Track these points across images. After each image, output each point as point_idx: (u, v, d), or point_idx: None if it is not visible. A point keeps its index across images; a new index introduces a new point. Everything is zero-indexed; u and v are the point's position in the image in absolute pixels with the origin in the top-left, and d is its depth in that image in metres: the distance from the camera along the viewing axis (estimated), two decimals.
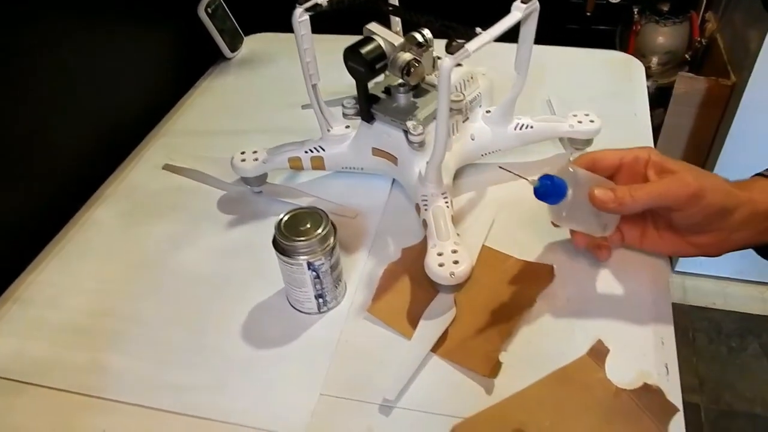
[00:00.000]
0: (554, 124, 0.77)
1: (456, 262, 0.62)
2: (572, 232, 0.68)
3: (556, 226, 0.66)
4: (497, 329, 0.62)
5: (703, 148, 1.72)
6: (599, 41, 1.07)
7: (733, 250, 0.65)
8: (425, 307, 0.64)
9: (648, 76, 1.94)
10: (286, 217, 0.63)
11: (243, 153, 0.78)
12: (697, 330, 1.73)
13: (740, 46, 1.58)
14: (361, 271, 0.70)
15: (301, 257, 0.61)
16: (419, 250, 0.70)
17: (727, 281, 1.87)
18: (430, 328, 0.62)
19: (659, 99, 1.84)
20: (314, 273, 0.62)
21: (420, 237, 0.72)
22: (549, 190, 0.59)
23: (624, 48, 1.77)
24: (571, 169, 0.60)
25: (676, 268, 1.88)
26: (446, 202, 0.68)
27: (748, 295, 1.84)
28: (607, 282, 0.67)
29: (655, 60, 1.92)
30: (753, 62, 1.46)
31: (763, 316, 1.73)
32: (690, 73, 1.68)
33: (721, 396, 1.59)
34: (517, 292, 0.66)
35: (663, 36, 1.85)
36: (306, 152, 0.77)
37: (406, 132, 0.70)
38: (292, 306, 0.67)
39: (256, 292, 0.68)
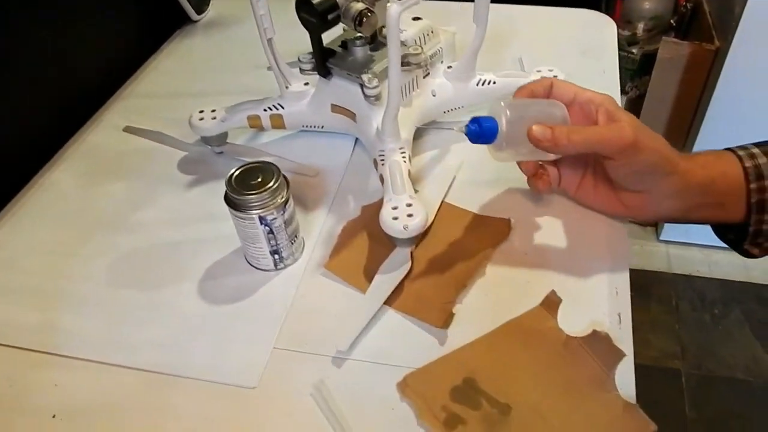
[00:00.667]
0: (517, 80, 0.77)
1: (410, 216, 0.62)
2: (519, 163, 0.68)
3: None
4: (452, 282, 0.63)
5: (688, 114, 1.73)
6: (585, 7, 1.08)
7: (662, 220, 0.66)
8: (382, 262, 0.65)
9: (634, 43, 1.95)
10: (237, 172, 0.62)
11: (201, 112, 0.77)
12: (681, 298, 1.75)
13: (725, 11, 1.58)
14: (320, 228, 0.70)
15: (253, 211, 0.61)
16: (378, 207, 0.70)
17: (711, 249, 1.88)
18: (384, 282, 0.63)
19: (645, 66, 1.84)
20: (267, 228, 0.62)
21: (379, 194, 0.72)
22: (479, 132, 0.60)
23: (611, 14, 1.77)
24: (502, 104, 0.60)
25: (661, 237, 1.90)
26: (403, 157, 0.68)
27: (732, 263, 1.85)
28: (564, 236, 0.67)
29: (641, 26, 1.92)
30: (736, 26, 1.46)
31: (746, 283, 1.74)
32: (674, 38, 1.68)
33: (703, 362, 1.60)
34: (473, 246, 0.66)
35: (649, 1, 1.85)
36: (265, 110, 0.76)
37: (362, 86, 0.70)
38: (249, 263, 0.67)
39: (213, 251, 0.69)
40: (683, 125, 1.76)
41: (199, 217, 0.73)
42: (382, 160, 0.68)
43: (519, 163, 0.68)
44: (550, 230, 0.68)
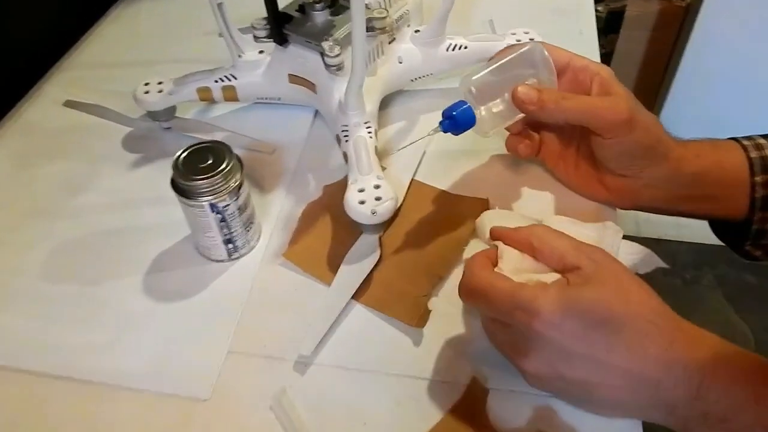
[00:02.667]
0: (491, 44, 0.69)
1: (378, 199, 0.55)
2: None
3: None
4: (426, 272, 0.56)
5: (657, 74, 1.66)
6: None
7: (642, 208, 0.59)
8: (347, 250, 0.57)
9: (600, 0, 1.87)
10: (184, 154, 0.54)
11: (147, 84, 0.68)
12: None
13: None
14: (278, 212, 0.62)
15: (203, 198, 0.53)
16: (342, 187, 0.63)
17: None
18: (351, 274, 0.55)
19: (611, 24, 1.76)
20: (219, 216, 0.54)
21: (342, 172, 0.65)
22: (455, 124, 0.53)
23: None
24: (472, 89, 0.53)
25: None
26: (369, 132, 0.60)
27: (703, 226, 1.79)
28: (549, 216, 0.60)
29: None
30: None
31: (717, 246, 1.70)
32: None
33: None
34: (448, 230, 0.59)
35: None
36: (216, 81, 0.67)
37: (322, 54, 0.61)
38: (199, 253, 0.59)
39: (161, 239, 0.60)
40: (652, 86, 1.70)
41: (145, 201, 0.65)
42: (346, 136, 0.60)
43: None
44: (532, 209, 0.61)
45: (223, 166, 0.53)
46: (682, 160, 0.55)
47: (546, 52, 0.56)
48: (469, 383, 0.49)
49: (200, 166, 0.53)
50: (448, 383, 0.49)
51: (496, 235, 0.50)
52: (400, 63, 0.67)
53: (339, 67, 0.60)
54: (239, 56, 0.66)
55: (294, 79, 0.66)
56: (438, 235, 0.58)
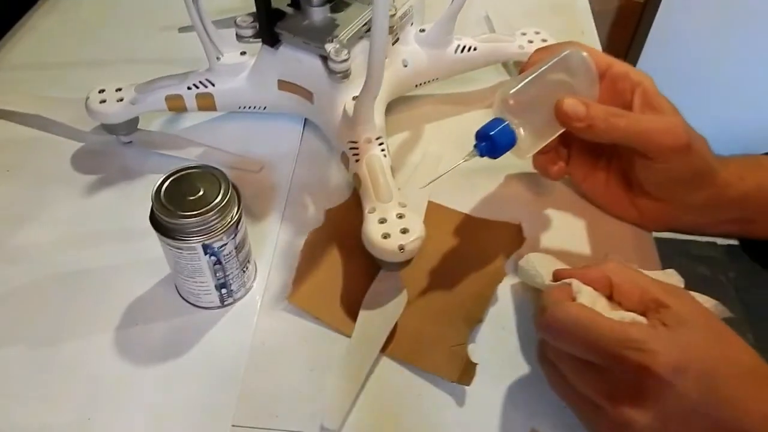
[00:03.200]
0: (501, 45, 0.61)
1: (405, 231, 0.45)
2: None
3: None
4: (460, 314, 0.47)
5: None
6: None
7: (670, 230, 0.53)
8: (363, 289, 0.48)
9: None
10: (167, 183, 0.43)
11: (102, 91, 0.56)
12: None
13: None
14: (274, 243, 0.52)
15: (194, 239, 0.42)
16: (348, 211, 0.54)
17: None
18: (374, 321, 0.46)
19: None
20: (214, 258, 0.44)
21: (346, 192, 0.55)
22: (495, 146, 0.45)
23: None
24: (511, 101, 0.45)
25: None
26: (383, 151, 0.51)
27: None
28: (584, 240, 0.53)
29: None
30: None
31: (672, 240, 1.70)
32: None
33: None
34: (479, 262, 0.50)
35: None
36: (189, 88, 0.56)
37: (324, 58, 0.51)
38: (184, 299, 0.49)
39: (132, 283, 0.49)
40: None
41: (107, 234, 0.53)
42: (356, 155, 0.50)
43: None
44: (564, 233, 0.53)
45: (218, 198, 0.42)
46: (727, 185, 0.49)
47: (589, 59, 0.48)
48: None
49: (189, 199, 0.42)
50: None
51: (564, 275, 0.42)
52: (405, 66, 0.58)
53: (345, 74, 0.50)
54: (217, 58, 0.55)
55: (285, 86, 0.56)
56: (468, 269, 0.50)
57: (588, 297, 0.40)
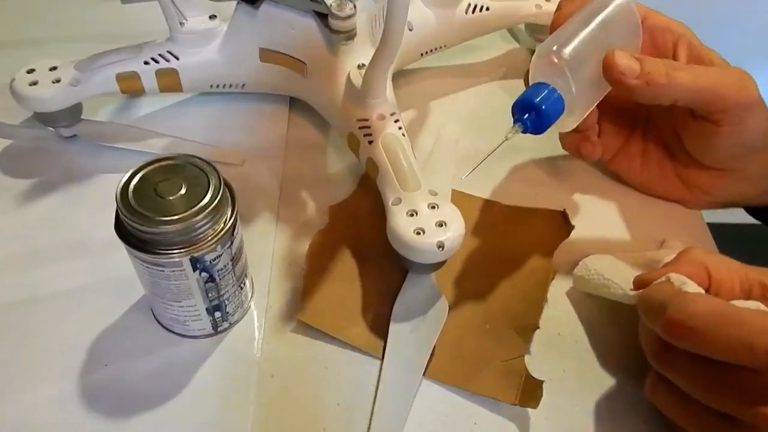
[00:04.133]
0: (516, 3, 0.52)
1: (441, 225, 0.36)
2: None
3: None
4: (511, 321, 0.38)
5: None
6: None
7: (716, 206, 0.46)
8: (388, 298, 0.38)
9: None
10: (136, 179, 0.33)
11: (32, 71, 0.44)
12: None
13: None
14: (270, 251, 0.41)
15: (180, 252, 0.32)
16: (356, 205, 0.44)
17: None
18: (412, 337, 0.36)
19: None
20: (206, 275, 0.33)
21: (350, 183, 0.45)
22: (541, 118, 0.36)
23: None
24: (555, 59, 0.36)
25: None
26: (400, 129, 0.41)
27: None
28: (630, 224, 0.44)
29: None
30: None
31: None
32: None
33: None
34: (524, 258, 0.41)
35: None
36: (147, 63, 0.44)
37: (320, 16, 0.41)
38: (165, 329, 0.37)
39: (94, 313, 0.37)
40: None
41: (54, 251, 0.41)
42: (368, 135, 0.40)
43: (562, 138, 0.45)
44: (598, 221, 0.45)
45: (208, 197, 0.32)
46: None
47: (633, 6, 0.40)
48: None
49: (168, 200, 0.32)
50: None
51: (651, 278, 0.34)
52: (411, 30, 0.48)
53: (350, 35, 0.40)
54: (180, 24, 0.44)
55: (269, 56, 0.45)
56: (511, 267, 0.41)
57: (694, 290, 0.32)
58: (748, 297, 0.33)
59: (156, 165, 0.33)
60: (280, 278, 0.40)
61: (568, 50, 0.36)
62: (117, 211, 0.31)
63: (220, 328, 0.37)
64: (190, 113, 0.49)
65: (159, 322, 0.37)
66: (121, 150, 0.46)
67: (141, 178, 0.32)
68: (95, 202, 0.43)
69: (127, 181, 0.32)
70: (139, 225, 0.31)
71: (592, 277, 0.38)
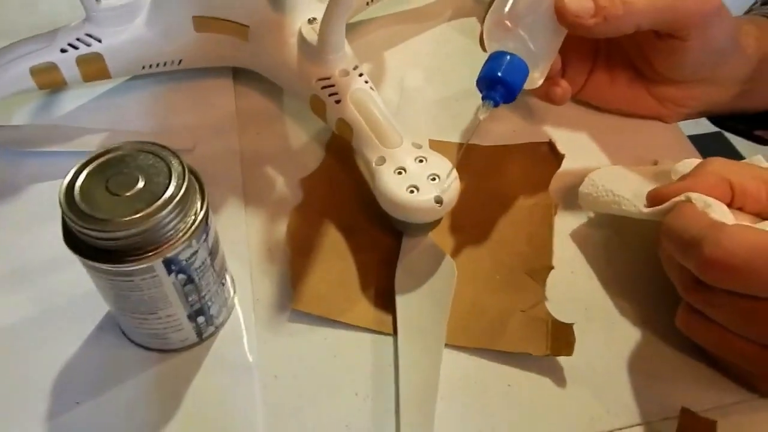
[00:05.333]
0: None
1: (434, 178, 0.32)
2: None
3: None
4: (522, 266, 0.34)
5: None
6: None
7: (689, 117, 0.44)
8: (390, 267, 0.34)
9: None
10: (81, 177, 0.26)
11: None
12: None
13: None
14: (244, 237, 0.36)
15: (146, 255, 0.26)
16: (330, 174, 0.39)
17: None
18: (424, 305, 0.32)
19: None
20: (183, 276, 0.28)
21: (316, 151, 0.40)
22: (510, 89, 0.33)
23: None
24: (508, 23, 0.33)
25: None
26: (367, 82, 0.36)
27: None
28: (611, 151, 0.41)
29: None
30: None
31: None
32: None
33: None
34: (521, 197, 0.37)
35: None
36: (64, 51, 0.37)
37: None
38: (141, 346, 0.32)
39: (54, 345, 0.31)
40: None
41: None
42: (334, 94, 0.35)
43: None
44: (582, 151, 0.41)
45: (173, 187, 0.26)
46: (749, 49, 0.39)
47: None
48: (680, 417, 0.30)
49: (126, 196, 0.26)
50: (641, 426, 0.30)
51: (667, 193, 0.30)
52: None
53: None
54: (97, 0, 0.37)
55: (205, 23, 0.38)
56: (510, 209, 0.37)
57: (720, 212, 0.29)
58: None
59: (102, 159, 0.27)
60: (262, 266, 0.35)
61: (518, 10, 0.33)
62: (64, 219, 0.26)
63: (205, 335, 0.32)
64: (124, 101, 0.43)
65: (131, 341, 0.31)
66: (49, 154, 0.39)
67: (87, 176, 0.26)
68: (24, 218, 0.36)
69: (70, 181, 0.26)
70: (96, 231, 0.25)
71: (600, 193, 0.35)
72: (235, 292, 0.34)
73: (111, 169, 0.27)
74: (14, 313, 0.33)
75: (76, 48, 0.37)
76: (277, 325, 0.33)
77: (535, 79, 0.35)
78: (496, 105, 0.33)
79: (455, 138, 0.41)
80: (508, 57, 0.33)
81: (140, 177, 0.26)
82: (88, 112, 0.42)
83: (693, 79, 0.40)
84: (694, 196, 0.29)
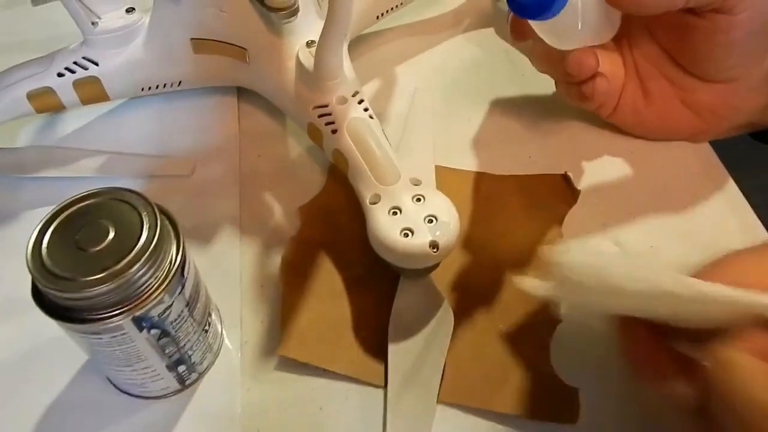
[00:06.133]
0: None
1: (432, 221, 0.29)
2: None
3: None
4: (531, 317, 0.31)
5: None
6: None
7: (738, 128, 0.38)
8: (386, 310, 0.31)
9: None
10: (49, 232, 0.25)
11: None
12: None
13: None
14: (237, 272, 0.34)
15: (113, 314, 0.24)
16: (330, 202, 0.36)
17: None
18: (417, 355, 0.30)
19: None
20: (156, 331, 0.27)
21: (318, 176, 0.38)
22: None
23: None
24: None
25: None
26: (366, 110, 0.33)
27: None
28: (640, 179, 0.37)
29: None
30: None
31: None
32: None
33: None
34: (531, 234, 0.34)
35: None
36: (61, 75, 0.36)
37: None
38: (124, 392, 0.30)
39: (30, 389, 0.30)
40: None
41: None
42: (330, 123, 0.33)
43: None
44: (613, 175, 0.37)
45: (143, 238, 0.24)
46: None
47: None
48: None
49: (92, 251, 0.24)
50: None
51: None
52: None
53: (291, 11, 0.32)
54: (93, 24, 0.36)
55: (203, 46, 0.36)
56: (517, 248, 0.33)
57: None
58: None
59: (73, 208, 0.25)
60: (253, 305, 0.33)
61: None
62: (32, 277, 0.24)
63: (188, 382, 0.30)
64: (127, 121, 0.41)
65: (114, 385, 0.30)
66: (50, 180, 0.38)
67: (55, 231, 0.25)
68: (20, 249, 0.36)
69: (37, 237, 0.24)
70: (60, 292, 0.23)
71: (572, 264, 0.25)
72: (222, 333, 0.32)
73: (82, 219, 0.25)
74: (2, 347, 0.32)
75: (73, 72, 0.36)
76: (263, 372, 0.31)
77: (576, 32, 0.31)
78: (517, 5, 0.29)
79: (467, 161, 0.38)
80: None
81: (110, 228, 0.25)
82: (90, 132, 0.41)
83: (736, 77, 0.35)
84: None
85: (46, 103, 0.37)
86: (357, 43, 0.44)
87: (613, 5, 0.31)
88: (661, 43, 0.36)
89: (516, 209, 0.36)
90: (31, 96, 0.36)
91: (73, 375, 0.31)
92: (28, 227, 0.25)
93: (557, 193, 0.36)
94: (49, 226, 0.25)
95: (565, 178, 0.36)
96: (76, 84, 0.36)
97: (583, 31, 0.31)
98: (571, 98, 0.37)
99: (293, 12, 0.32)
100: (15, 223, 0.37)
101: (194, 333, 0.28)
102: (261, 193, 0.38)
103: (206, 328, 0.30)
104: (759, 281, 0.22)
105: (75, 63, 0.36)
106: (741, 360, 0.21)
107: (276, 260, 0.34)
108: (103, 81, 0.37)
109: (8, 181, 0.38)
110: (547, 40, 0.33)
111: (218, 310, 0.32)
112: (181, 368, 0.29)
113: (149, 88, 0.39)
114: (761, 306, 0.21)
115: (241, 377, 0.30)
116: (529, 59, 0.38)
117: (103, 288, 0.23)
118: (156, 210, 0.25)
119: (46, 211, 0.26)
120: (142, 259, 0.24)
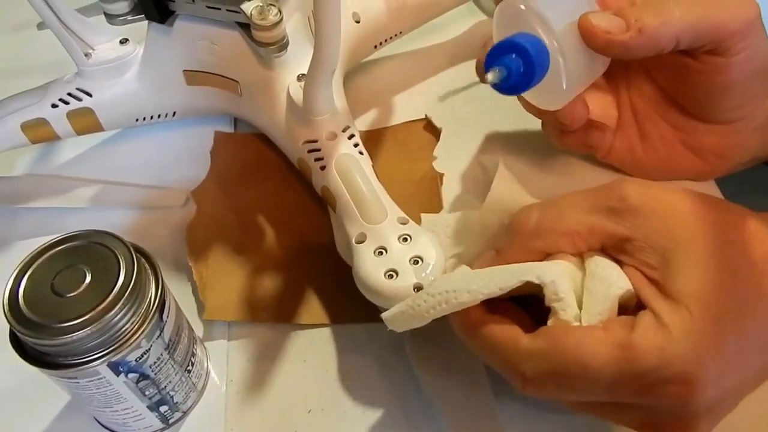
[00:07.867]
0: None
1: (417, 262, 0.28)
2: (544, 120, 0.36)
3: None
4: None
5: None
6: None
7: (740, 166, 0.36)
8: (299, 255, 0.32)
9: None
10: (25, 278, 0.24)
11: None
12: None
13: None
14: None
15: (89, 360, 0.24)
16: (222, 179, 0.38)
17: None
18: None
19: None
20: (135, 375, 0.26)
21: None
22: (530, 64, 0.27)
23: None
24: (522, 6, 0.28)
25: None
26: (356, 146, 0.33)
27: None
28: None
29: None
30: None
31: None
32: None
33: None
34: (409, 174, 0.37)
35: None
36: (55, 106, 0.35)
37: (246, 26, 0.32)
38: (107, 428, 0.30)
39: (16, 422, 0.30)
40: None
41: None
42: (319, 159, 0.32)
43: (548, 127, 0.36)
44: None
45: (120, 283, 0.24)
46: None
47: None
48: None
49: (68, 297, 0.24)
50: None
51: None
52: (357, 22, 0.39)
53: (281, 45, 0.31)
54: (86, 55, 0.35)
55: (195, 77, 0.36)
56: (399, 187, 0.33)
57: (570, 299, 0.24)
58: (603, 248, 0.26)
59: (50, 252, 0.25)
60: (241, 342, 0.32)
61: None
62: (10, 325, 0.24)
63: (171, 420, 0.29)
64: (123, 149, 0.41)
65: (98, 422, 0.30)
66: (44, 210, 0.37)
67: (31, 276, 0.24)
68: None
69: (14, 284, 0.24)
70: (36, 339, 0.23)
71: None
72: (208, 367, 0.31)
73: (59, 264, 0.25)
74: None
75: (66, 103, 0.36)
76: (247, 410, 0.30)
77: (562, 92, 0.30)
78: (507, 78, 0.27)
79: (473, 200, 0.37)
80: (530, 39, 0.27)
81: (87, 273, 0.24)
82: (86, 160, 0.40)
83: (739, 118, 0.34)
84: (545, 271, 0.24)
85: (41, 134, 0.36)
86: (355, 72, 0.44)
87: (599, 52, 0.30)
88: (659, 83, 0.34)
89: (390, 154, 0.38)
90: (26, 127, 0.36)
91: (59, 411, 0.30)
92: (20, 254, 0.25)
93: (422, 134, 0.39)
94: (26, 272, 0.24)
95: (427, 120, 0.40)
96: (70, 115, 0.36)
97: (569, 88, 0.30)
98: (565, 145, 0.36)
99: (282, 46, 0.31)
100: (9, 254, 0.36)
101: (176, 374, 0.28)
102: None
103: (189, 368, 0.29)
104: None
105: (69, 94, 0.36)
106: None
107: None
108: (96, 112, 0.36)
109: (4, 210, 0.38)
110: (537, 105, 0.32)
111: (204, 347, 0.31)
112: (164, 408, 0.28)
113: (143, 119, 0.38)
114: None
115: (225, 417, 0.30)
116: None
117: (79, 334, 0.23)
118: (133, 254, 0.25)
119: (41, 241, 0.25)
120: (118, 305, 0.23)
